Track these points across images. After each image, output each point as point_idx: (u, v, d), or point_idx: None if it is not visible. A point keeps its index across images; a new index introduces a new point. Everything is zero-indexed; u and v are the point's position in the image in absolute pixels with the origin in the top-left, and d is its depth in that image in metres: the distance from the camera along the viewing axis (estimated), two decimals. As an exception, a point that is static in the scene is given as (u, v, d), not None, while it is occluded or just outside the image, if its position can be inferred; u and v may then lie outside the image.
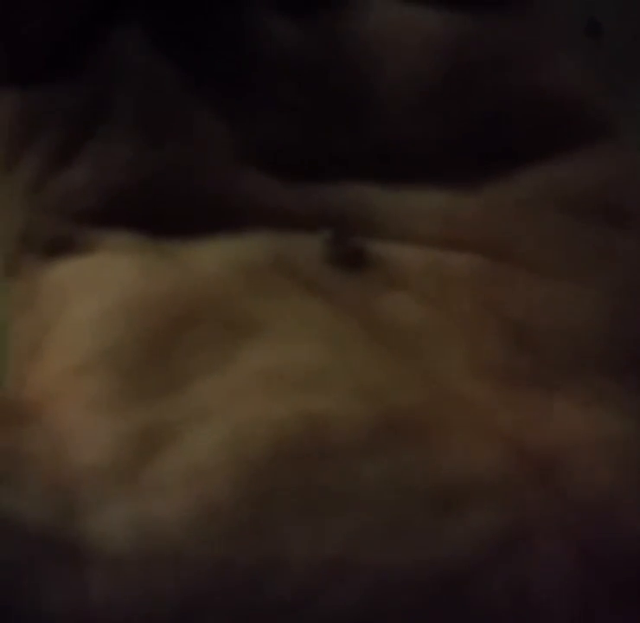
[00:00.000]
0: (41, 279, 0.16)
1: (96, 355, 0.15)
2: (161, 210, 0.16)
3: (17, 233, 0.16)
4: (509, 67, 0.17)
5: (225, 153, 0.17)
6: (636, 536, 0.14)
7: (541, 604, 0.14)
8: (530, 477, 0.14)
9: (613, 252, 0.16)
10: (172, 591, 0.13)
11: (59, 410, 0.14)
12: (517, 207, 0.16)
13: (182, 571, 0.13)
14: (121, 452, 0.14)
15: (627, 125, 0.17)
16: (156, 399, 0.14)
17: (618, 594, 0.14)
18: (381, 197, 0.17)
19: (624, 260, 0.16)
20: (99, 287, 0.16)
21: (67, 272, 0.16)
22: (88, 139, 0.16)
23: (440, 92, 0.16)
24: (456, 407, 0.15)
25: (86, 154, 0.16)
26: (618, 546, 0.14)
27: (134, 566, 0.13)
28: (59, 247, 0.16)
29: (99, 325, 0.15)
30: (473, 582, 0.14)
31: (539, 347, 0.16)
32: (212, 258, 0.16)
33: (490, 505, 0.14)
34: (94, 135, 0.16)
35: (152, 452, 0.14)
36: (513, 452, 0.15)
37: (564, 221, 0.16)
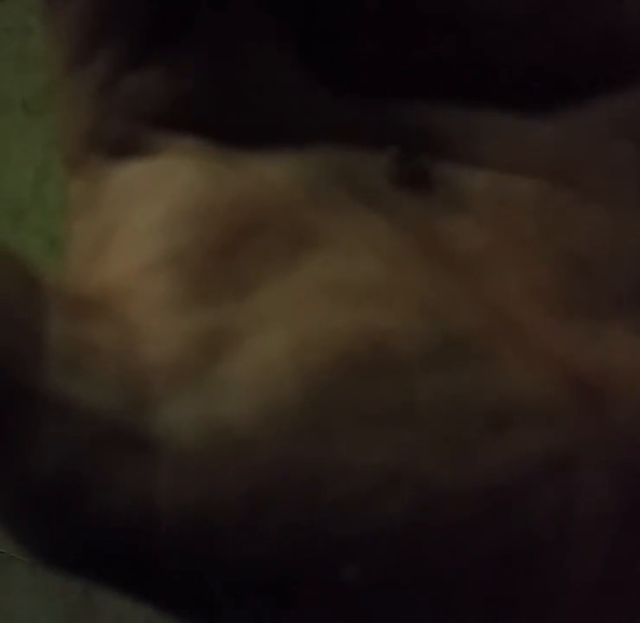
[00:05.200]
0: (104, 179, 0.16)
1: (162, 257, 0.15)
2: (228, 120, 0.16)
3: (83, 131, 0.16)
4: None
5: (293, 67, 0.16)
6: None
7: (581, 528, 0.14)
8: (580, 403, 0.15)
9: None
10: (237, 488, 0.13)
11: (126, 308, 0.15)
12: (589, 135, 0.16)
13: (246, 469, 0.13)
14: (188, 351, 0.14)
15: None
16: (221, 303, 0.15)
17: None
18: (450, 117, 0.16)
19: None
20: (165, 190, 0.16)
21: (132, 174, 0.16)
22: (163, 42, 0.16)
23: (531, 12, 0.16)
24: (511, 331, 0.15)
25: (160, 56, 0.16)
26: None
27: (201, 461, 0.13)
28: (124, 149, 0.16)
29: (165, 228, 0.15)
30: (517, 501, 0.14)
31: (598, 276, 0.16)
32: (278, 169, 0.16)
33: (539, 428, 0.14)
34: (169, 38, 0.16)
35: (218, 354, 0.14)
36: (564, 378, 0.15)
37: (635, 152, 0.16)
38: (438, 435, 0.14)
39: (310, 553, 0.14)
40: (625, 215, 0.16)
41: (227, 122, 0.16)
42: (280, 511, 0.13)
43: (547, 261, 0.16)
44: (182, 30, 0.16)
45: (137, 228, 0.15)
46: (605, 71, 0.16)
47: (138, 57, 0.16)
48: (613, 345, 0.15)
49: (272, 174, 0.16)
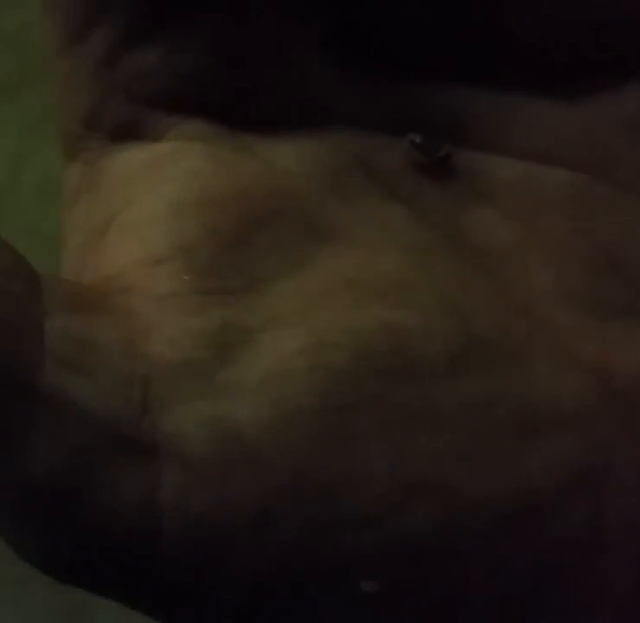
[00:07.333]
0: (104, 164, 0.15)
1: (169, 248, 0.14)
2: (236, 101, 0.15)
3: (81, 113, 0.15)
4: None
5: (309, 45, 0.15)
6: None
7: (616, 537, 0.14)
8: (612, 406, 0.14)
9: None
10: (246, 496, 0.13)
11: (130, 303, 0.14)
12: (623, 124, 0.16)
13: (257, 475, 0.13)
14: (197, 350, 0.13)
15: None
16: (232, 299, 0.14)
17: None
18: (478, 102, 0.16)
19: None
20: (170, 177, 0.15)
21: (135, 159, 0.15)
22: (165, 15, 0.15)
23: None
24: (540, 332, 0.15)
25: (163, 31, 0.15)
26: None
27: (208, 468, 0.13)
28: (126, 131, 0.15)
29: (171, 218, 0.14)
30: (549, 512, 0.14)
31: (630, 274, 0.15)
32: (291, 155, 0.15)
33: (571, 434, 0.14)
34: (172, 11, 0.15)
35: (228, 353, 0.13)
36: (596, 381, 0.14)
37: None
38: (464, 442, 0.13)
39: (325, 566, 0.13)
40: None
41: (236, 104, 0.15)
42: (293, 521, 0.13)
43: (579, 258, 0.15)
44: (185, 3, 0.15)
45: (139, 216, 0.15)
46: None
47: (139, 32, 0.15)
48: None
49: (284, 160, 0.15)
